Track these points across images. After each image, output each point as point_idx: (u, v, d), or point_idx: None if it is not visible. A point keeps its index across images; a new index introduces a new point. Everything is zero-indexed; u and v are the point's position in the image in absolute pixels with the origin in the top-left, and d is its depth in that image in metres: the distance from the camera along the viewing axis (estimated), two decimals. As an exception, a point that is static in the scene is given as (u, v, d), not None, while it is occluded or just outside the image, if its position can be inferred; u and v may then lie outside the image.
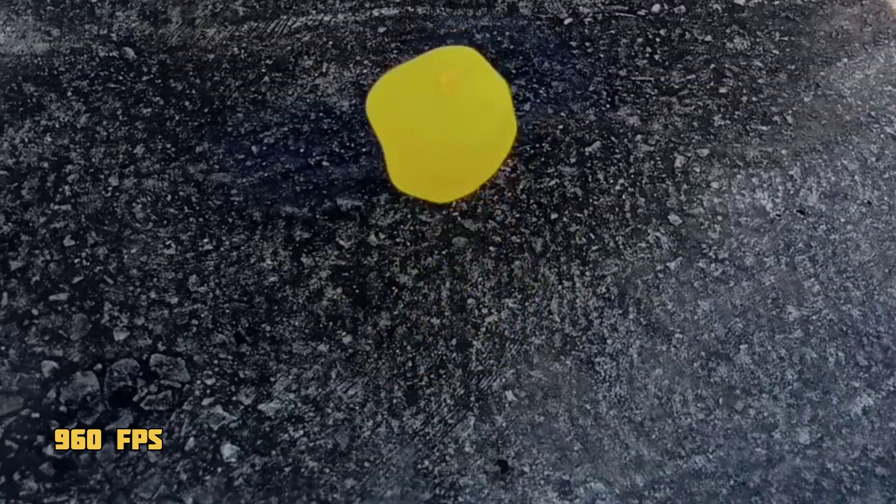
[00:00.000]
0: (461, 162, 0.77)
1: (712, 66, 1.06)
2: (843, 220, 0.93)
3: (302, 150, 0.95)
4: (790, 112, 1.02)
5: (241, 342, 0.82)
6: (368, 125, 0.80)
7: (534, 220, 0.91)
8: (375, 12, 1.09)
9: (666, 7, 1.12)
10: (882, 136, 1.01)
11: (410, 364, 0.81)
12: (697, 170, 0.96)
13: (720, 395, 0.81)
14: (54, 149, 0.93)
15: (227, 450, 0.76)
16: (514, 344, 0.83)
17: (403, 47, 1.05)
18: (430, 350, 0.82)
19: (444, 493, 0.74)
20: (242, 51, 1.04)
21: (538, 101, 1.01)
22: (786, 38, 1.10)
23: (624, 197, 0.94)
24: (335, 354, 0.81)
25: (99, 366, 0.79)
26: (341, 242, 0.88)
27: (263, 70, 1.02)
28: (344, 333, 0.82)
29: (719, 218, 0.93)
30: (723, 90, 1.04)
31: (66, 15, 1.06)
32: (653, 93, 1.03)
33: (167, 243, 0.87)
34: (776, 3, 1.14)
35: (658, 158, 0.97)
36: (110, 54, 1.02)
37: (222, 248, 0.87)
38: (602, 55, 1.06)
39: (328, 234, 0.89)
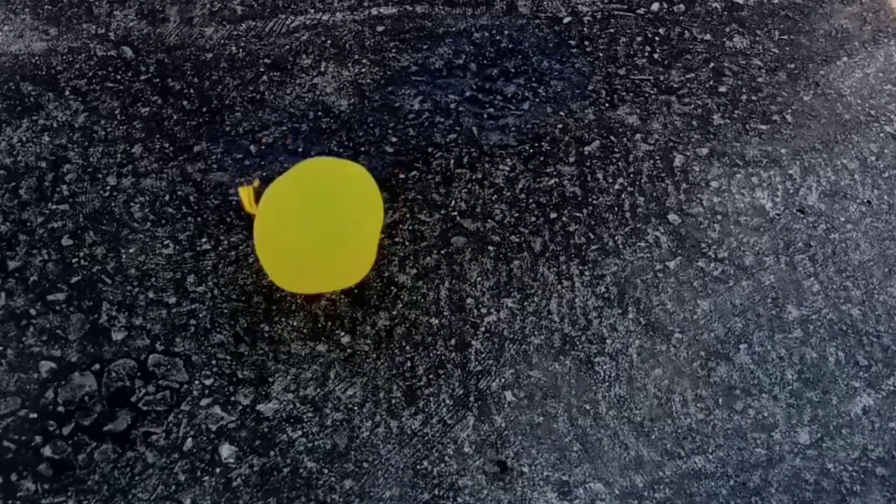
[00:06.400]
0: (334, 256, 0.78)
1: (712, 64, 1.06)
2: (842, 219, 0.93)
3: (300, 150, 0.95)
4: (790, 111, 1.02)
5: (240, 342, 0.81)
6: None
7: (533, 219, 0.91)
8: (374, 11, 1.08)
9: (665, 6, 1.12)
10: (882, 134, 1.00)
11: (409, 364, 0.81)
12: (697, 169, 0.96)
13: (720, 395, 0.81)
14: (52, 148, 0.93)
15: (226, 450, 0.76)
16: (513, 344, 0.83)
17: (402, 46, 1.05)
18: (429, 350, 0.82)
19: (443, 494, 0.74)
20: (241, 50, 1.04)
21: (537, 100, 1.01)
22: (785, 37, 1.10)
23: (623, 196, 0.93)
24: (334, 354, 0.81)
25: (97, 366, 0.79)
26: (340, 242, 0.87)
27: (262, 69, 1.02)
28: (342, 333, 0.82)
29: (719, 217, 0.93)
30: (722, 89, 1.04)
31: (64, 14, 1.05)
32: (652, 92, 1.03)
33: (165, 243, 0.87)
34: (775, 1, 1.13)
35: (657, 157, 0.97)
36: (108, 53, 1.02)
37: (220, 248, 0.87)
38: (601, 54, 1.06)
39: (327, 234, 0.89)
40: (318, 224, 0.76)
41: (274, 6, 1.08)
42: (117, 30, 1.04)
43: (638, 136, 0.98)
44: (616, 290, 0.87)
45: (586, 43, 1.07)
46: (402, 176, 0.94)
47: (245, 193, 0.80)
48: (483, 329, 0.83)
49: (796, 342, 0.85)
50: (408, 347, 0.82)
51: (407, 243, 0.88)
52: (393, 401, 0.79)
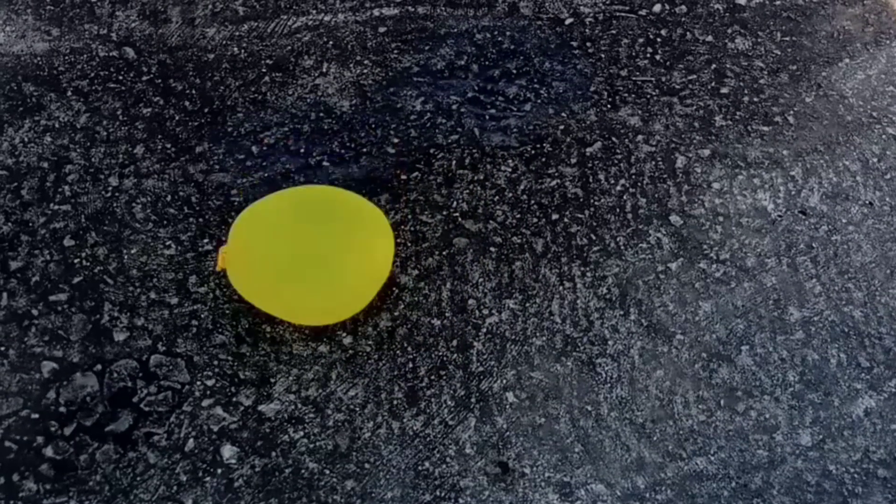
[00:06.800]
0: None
1: (713, 66, 1.06)
2: (844, 220, 0.93)
3: (302, 150, 0.95)
4: (792, 112, 1.02)
5: (242, 343, 0.81)
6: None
7: (534, 220, 0.91)
8: (376, 12, 1.09)
9: (667, 7, 1.12)
10: (884, 136, 1.00)
11: (411, 365, 0.81)
12: (699, 170, 0.96)
13: (721, 396, 0.81)
14: (54, 149, 0.93)
15: (227, 451, 0.76)
16: (514, 345, 0.83)
17: (404, 47, 1.05)
18: (431, 351, 0.82)
19: (445, 495, 0.74)
20: (242, 51, 1.04)
21: (539, 101, 1.01)
22: (787, 39, 1.10)
23: (625, 197, 0.93)
24: (335, 355, 0.81)
25: (99, 366, 0.79)
26: (342, 243, 0.87)
27: (263, 70, 1.02)
28: (344, 334, 0.82)
29: (721, 219, 0.92)
30: (724, 90, 1.04)
31: (66, 14, 1.06)
32: (654, 93, 1.03)
33: (167, 243, 0.87)
34: (777, 3, 1.13)
35: (659, 159, 0.97)
36: (110, 54, 1.02)
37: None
38: (603, 55, 1.06)
39: (328, 235, 0.89)
40: (281, 250, 0.73)
41: (276, 7, 1.08)
42: (119, 30, 1.04)
43: (640, 137, 0.98)
44: (618, 292, 0.87)
45: (588, 44, 1.07)
46: (403, 177, 0.94)
47: (224, 254, 0.76)
48: (485, 330, 0.83)
49: (798, 344, 0.84)
50: (409, 348, 0.82)
51: (408, 244, 0.88)
52: (394, 402, 0.79)
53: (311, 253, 0.73)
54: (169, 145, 0.95)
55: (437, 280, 0.86)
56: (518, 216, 0.91)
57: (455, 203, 0.92)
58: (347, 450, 0.76)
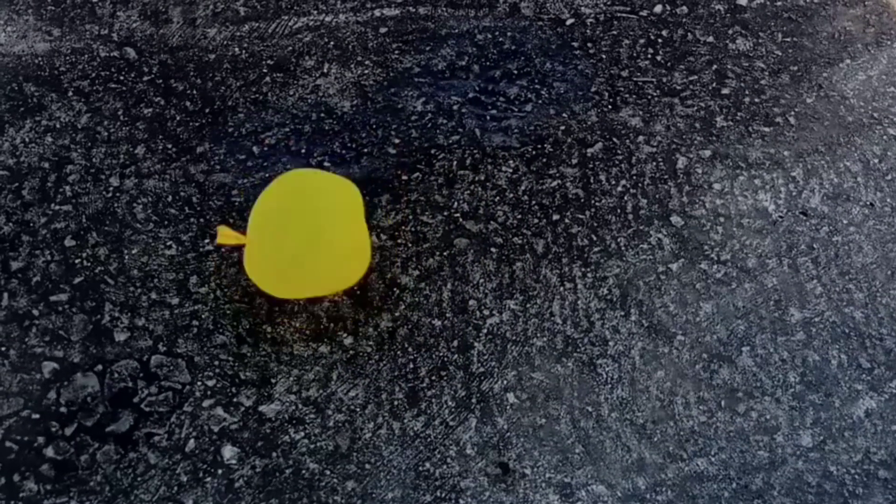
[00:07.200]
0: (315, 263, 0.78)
1: (714, 67, 1.06)
2: (845, 221, 0.93)
3: (303, 151, 0.95)
4: (793, 113, 1.02)
5: (242, 343, 0.81)
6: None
7: (535, 221, 0.91)
8: (377, 13, 1.09)
9: (668, 8, 1.12)
10: (885, 137, 1.00)
11: (412, 366, 0.81)
12: (700, 171, 0.96)
13: (722, 397, 0.81)
14: (55, 149, 0.93)
15: (228, 451, 0.76)
16: (515, 346, 0.83)
17: (405, 48, 1.05)
18: (432, 352, 0.82)
19: (445, 496, 0.74)
20: (244, 51, 1.04)
21: (540, 101, 1.01)
22: (788, 39, 1.10)
23: (626, 198, 0.93)
24: (336, 356, 0.81)
25: (99, 367, 0.79)
26: (342, 243, 0.87)
27: (265, 70, 1.02)
28: (345, 335, 0.82)
29: (721, 219, 0.92)
30: (725, 91, 1.04)
31: (67, 15, 1.06)
32: (655, 94, 1.03)
33: (168, 244, 0.87)
34: (778, 3, 1.13)
35: (660, 160, 0.97)
36: (111, 54, 1.02)
37: (223, 249, 0.87)
38: (604, 56, 1.06)
39: (329, 235, 0.89)
40: (298, 229, 0.76)
41: (277, 7, 1.08)
42: (120, 31, 1.04)
43: (641, 138, 0.98)
44: (618, 293, 0.87)
45: (589, 45, 1.07)
46: (404, 177, 0.94)
47: (224, 231, 0.79)
48: (485, 331, 0.83)
49: (799, 345, 0.84)
50: (410, 349, 0.82)
51: (409, 245, 0.89)
52: (395, 402, 0.79)
53: (311, 228, 0.77)
54: (170, 145, 0.95)
55: (438, 280, 0.86)
56: (519, 217, 0.91)
57: (456, 203, 0.92)
58: (348, 450, 0.76)
